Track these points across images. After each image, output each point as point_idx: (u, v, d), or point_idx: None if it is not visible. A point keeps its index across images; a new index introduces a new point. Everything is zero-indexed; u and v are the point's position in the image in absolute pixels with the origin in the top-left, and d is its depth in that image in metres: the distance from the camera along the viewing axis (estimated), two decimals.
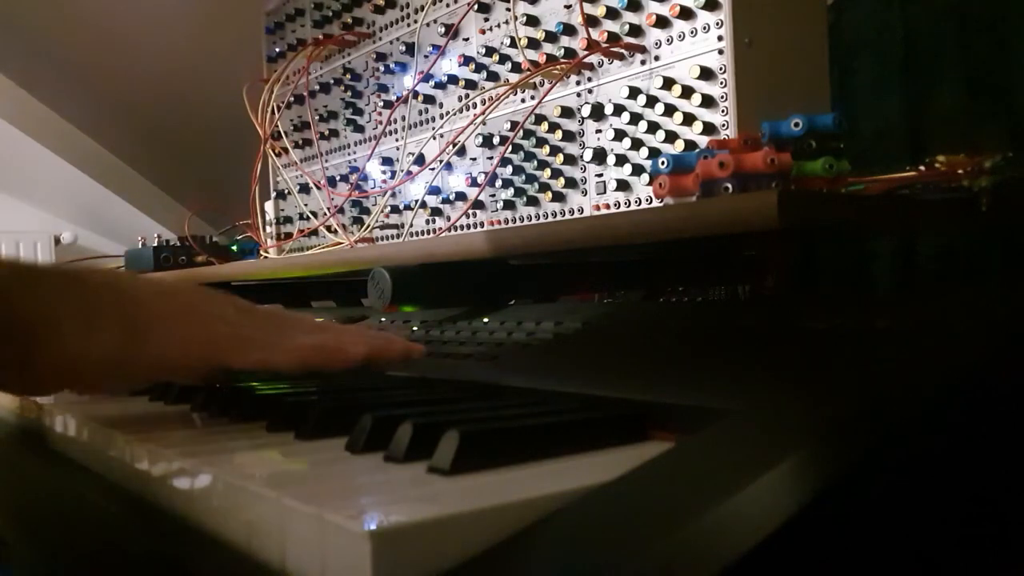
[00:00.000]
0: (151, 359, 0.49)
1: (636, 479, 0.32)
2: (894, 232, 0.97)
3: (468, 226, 0.90)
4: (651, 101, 0.70)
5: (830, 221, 0.55)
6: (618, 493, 0.31)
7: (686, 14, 0.68)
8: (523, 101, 0.84)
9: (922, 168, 0.65)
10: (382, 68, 1.02)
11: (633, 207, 0.73)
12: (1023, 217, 0.64)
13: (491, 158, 0.87)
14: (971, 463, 0.36)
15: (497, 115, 0.86)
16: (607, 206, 0.75)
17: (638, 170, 0.72)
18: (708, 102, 0.66)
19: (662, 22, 0.69)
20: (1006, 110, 0.94)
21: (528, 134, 0.82)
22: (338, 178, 1.12)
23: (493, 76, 0.87)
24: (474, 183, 0.89)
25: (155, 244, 1.34)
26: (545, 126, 0.80)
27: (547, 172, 0.80)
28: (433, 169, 0.94)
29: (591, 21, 0.75)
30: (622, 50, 0.72)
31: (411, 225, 0.98)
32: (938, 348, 0.40)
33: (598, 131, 0.76)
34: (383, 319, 0.84)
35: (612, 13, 0.73)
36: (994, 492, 0.37)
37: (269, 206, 1.25)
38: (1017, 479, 0.37)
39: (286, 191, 1.23)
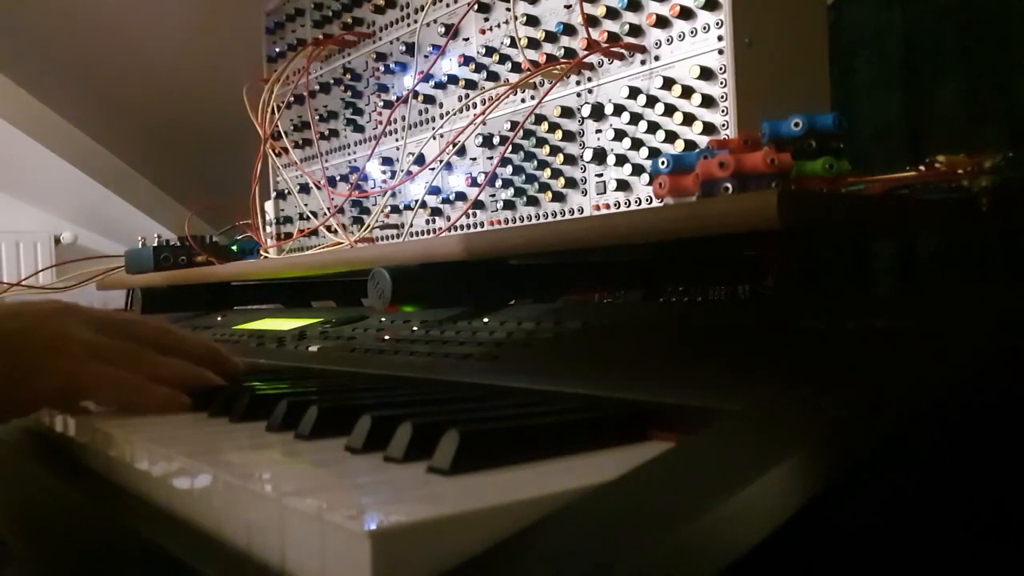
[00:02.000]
0: (35, 401, 0.56)
1: (636, 479, 0.32)
2: (894, 232, 0.97)
3: (468, 226, 0.90)
4: (651, 101, 0.70)
5: (830, 221, 0.55)
6: (618, 493, 0.31)
7: (686, 14, 0.68)
8: (523, 101, 0.84)
9: (922, 168, 0.65)
10: (382, 68, 1.02)
11: (633, 207, 0.73)
12: (1023, 217, 0.64)
13: (491, 158, 0.87)
14: (971, 463, 0.36)
15: (497, 115, 0.86)
16: (607, 206, 0.75)
17: (638, 170, 0.72)
18: (708, 102, 0.66)
19: (662, 22, 0.69)
20: (1006, 110, 0.94)
21: (528, 134, 0.82)
22: (338, 178, 1.12)
23: (493, 76, 0.87)
24: (474, 183, 0.89)
25: (155, 244, 1.34)
26: (545, 126, 0.80)
27: (547, 172, 0.80)
28: (433, 169, 0.94)
29: (591, 21, 0.75)
30: (622, 50, 0.72)
31: (411, 225, 0.98)
32: (938, 348, 0.40)
33: (598, 131, 0.76)
34: (383, 319, 0.84)
35: (612, 13, 0.73)
36: (994, 492, 0.37)
37: (269, 206, 1.25)
38: (1018, 479, 0.37)
39: (286, 191, 1.23)
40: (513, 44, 0.83)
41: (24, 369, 0.54)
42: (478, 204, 0.88)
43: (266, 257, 1.20)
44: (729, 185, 0.55)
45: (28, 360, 0.54)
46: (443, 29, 0.91)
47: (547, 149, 0.80)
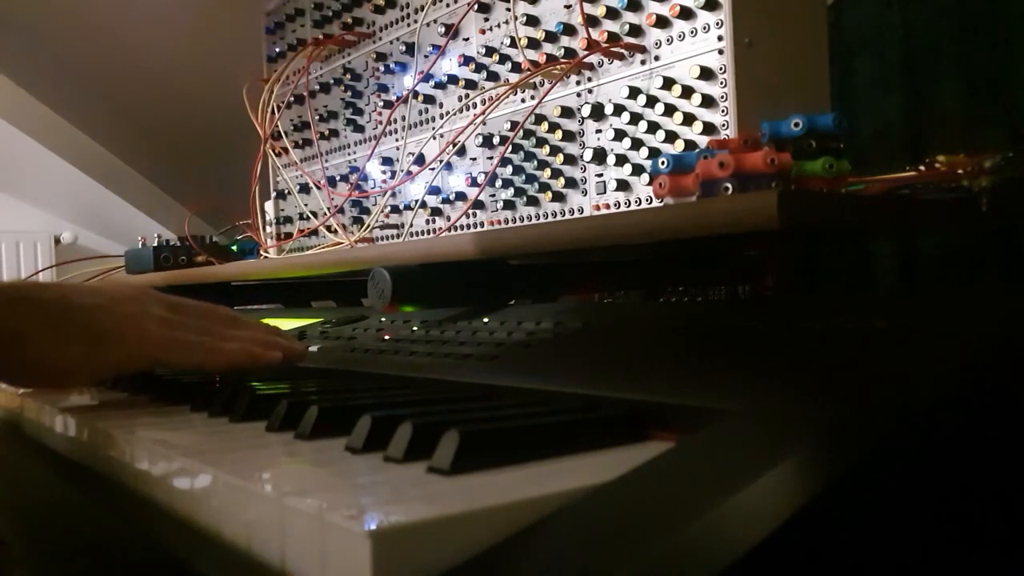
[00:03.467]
0: (110, 364, 0.62)
1: (636, 479, 0.32)
2: (894, 232, 0.97)
3: (468, 226, 0.90)
4: (651, 101, 0.70)
5: (830, 221, 0.55)
6: (618, 493, 0.31)
7: (686, 14, 0.68)
8: (523, 101, 0.84)
9: (922, 168, 0.65)
10: (382, 68, 1.02)
11: (633, 207, 0.73)
12: (1023, 217, 0.64)
13: (491, 158, 0.87)
14: (971, 463, 0.36)
15: (497, 115, 0.86)
16: (607, 206, 0.75)
17: (638, 170, 0.72)
18: (708, 102, 0.66)
19: (662, 22, 0.69)
20: (1006, 110, 0.94)
21: (528, 134, 0.82)
22: (338, 178, 1.12)
23: (493, 76, 0.87)
24: (474, 183, 0.89)
25: (155, 244, 1.34)
26: (545, 126, 0.80)
27: (547, 172, 0.80)
28: (433, 169, 0.94)
29: (591, 21, 0.75)
30: (622, 50, 0.72)
31: (411, 225, 0.98)
32: (938, 348, 0.40)
33: (598, 131, 0.76)
34: (383, 319, 0.84)
35: (612, 13, 0.73)
36: (994, 492, 0.37)
37: (269, 206, 1.25)
38: (1017, 480, 0.37)
39: (286, 191, 1.23)
40: (513, 44, 0.83)
41: (103, 338, 0.60)
42: (478, 204, 0.88)
43: (266, 257, 1.20)
44: (729, 185, 0.55)
45: (107, 330, 0.60)
46: (443, 29, 0.91)
47: (547, 149, 0.80)
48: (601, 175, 0.76)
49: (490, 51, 0.86)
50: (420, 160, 0.96)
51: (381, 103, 1.04)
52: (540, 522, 0.30)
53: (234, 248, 1.34)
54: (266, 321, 1.03)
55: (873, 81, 1.05)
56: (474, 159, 0.90)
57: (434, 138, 0.94)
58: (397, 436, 0.39)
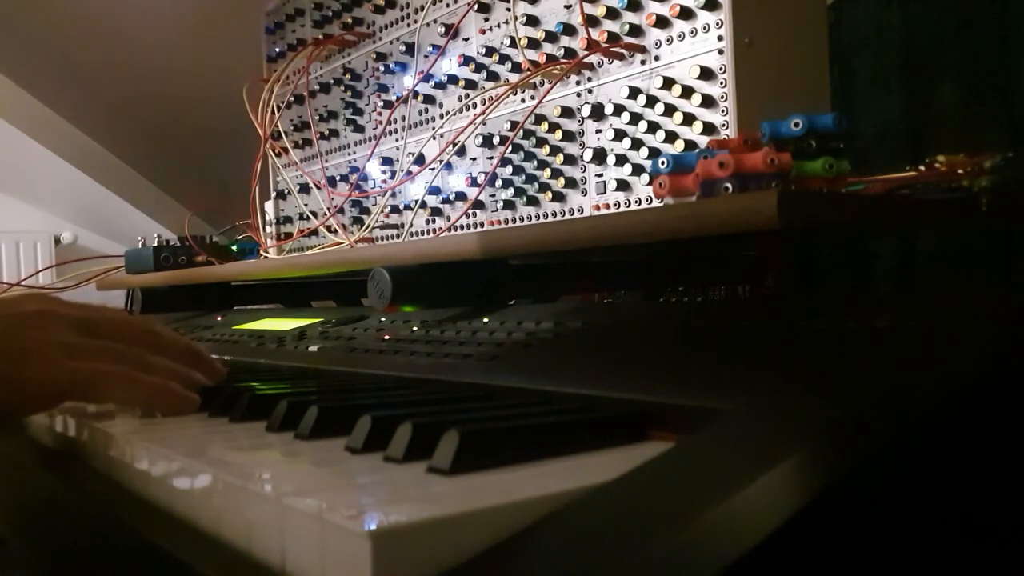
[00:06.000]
0: (10, 409, 0.53)
1: (636, 479, 0.32)
2: (894, 232, 0.97)
3: (468, 226, 0.90)
4: (651, 101, 0.70)
5: (830, 221, 0.56)
6: (618, 493, 0.31)
7: (686, 14, 0.68)
8: (523, 101, 0.84)
9: (922, 168, 0.65)
10: (382, 68, 1.02)
11: (633, 207, 0.73)
12: (1023, 217, 0.64)
13: (491, 158, 0.87)
14: (971, 463, 0.36)
15: (497, 115, 0.86)
16: (607, 206, 0.75)
17: (638, 170, 0.72)
18: (708, 102, 0.66)
19: (662, 22, 0.69)
20: (1006, 110, 0.95)
21: (528, 134, 0.82)
22: (338, 178, 1.12)
23: (493, 76, 0.87)
24: (474, 183, 0.89)
25: (155, 244, 1.34)
26: (545, 126, 0.80)
27: (547, 172, 0.80)
28: (433, 169, 0.94)
29: (591, 21, 0.75)
30: (622, 50, 0.72)
31: (411, 225, 0.98)
32: (938, 348, 0.40)
33: (598, 131, 0.76)
34: (383, 319, 0.84)
35: (612, 13, 0.73)
36: (994, 493, 0.37)
37: (269, 206, 1.25)
38: (1017, 480, 0.37)
39: (286, 191, 1.23)
40: (513, 44, 0.83)
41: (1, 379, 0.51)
42: (478, 204, 0.88)
43: (266, 257, 1.20)
44: (729, 185, 0.55)
45: (3, 373, 0.51)
46: (443, 29, 0.91)
47: (547, 149, 0.80)
48: (601, 175, 0.76)
49: (490, 51, 0.86)
50: (420, 160, 0.96)
51: (381, 103, 1.04)
52: (540, 522, 0.30)
53: (234, 248, 1.34)
54: (266, 321, 1.03)
55: (873, 81, 1.05)
56: (474, 159, 0.90)
57: (434, 138, 0.94)
58: (397, 436, 0.39)
